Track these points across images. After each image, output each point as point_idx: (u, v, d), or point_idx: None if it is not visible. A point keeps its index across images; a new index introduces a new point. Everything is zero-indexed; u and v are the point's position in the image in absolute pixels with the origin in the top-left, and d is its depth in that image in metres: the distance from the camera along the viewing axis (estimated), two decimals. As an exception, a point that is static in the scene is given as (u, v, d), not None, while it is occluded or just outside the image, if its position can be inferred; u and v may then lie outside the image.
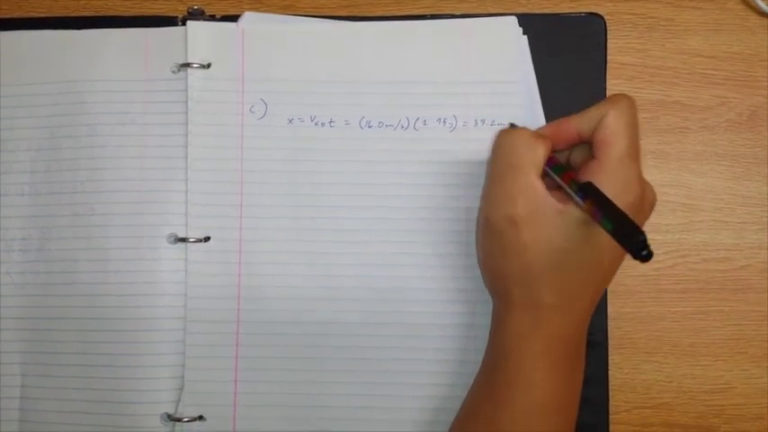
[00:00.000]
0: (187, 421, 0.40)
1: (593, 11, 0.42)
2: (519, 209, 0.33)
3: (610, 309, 0.41)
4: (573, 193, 0.32)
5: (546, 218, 0.33)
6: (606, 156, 0.33)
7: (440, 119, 0.41)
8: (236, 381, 0.40)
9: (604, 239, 0.31)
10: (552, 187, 0.34)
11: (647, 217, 0.35)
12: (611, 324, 0.41)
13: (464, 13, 0.42)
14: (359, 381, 0.40)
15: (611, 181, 0.32)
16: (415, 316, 0.40)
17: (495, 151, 0.35)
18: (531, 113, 0.41)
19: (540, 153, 0.34)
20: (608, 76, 0.42)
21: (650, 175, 0.42)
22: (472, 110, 0.41)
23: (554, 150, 0.36)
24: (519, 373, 0.34)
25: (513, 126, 0.38)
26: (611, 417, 0.41)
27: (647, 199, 0.34)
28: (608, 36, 0.42)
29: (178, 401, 0.40)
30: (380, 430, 0.40)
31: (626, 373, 0.42)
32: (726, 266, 0.42)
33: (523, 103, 0.41)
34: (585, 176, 0.33)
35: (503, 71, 0.41)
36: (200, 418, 0.40)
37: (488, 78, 0.41)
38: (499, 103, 0.41)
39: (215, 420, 0.40)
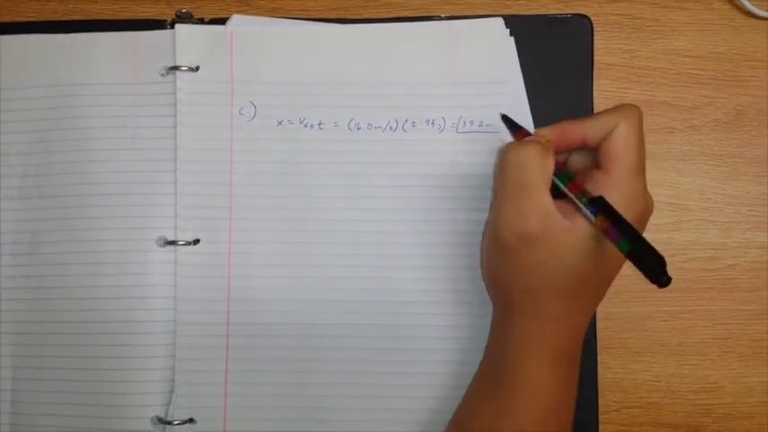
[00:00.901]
0: (177, 424, 0.39)
1: (580, 12, 0.42)
2: (532, 228, 0.33)
3: (598, 309, 0.41)
4: (583, 206, 0.32)
5: (557, 237, 0.33)
6: (616, 168, 0.33)
7: (428, 120, 0.41)
8: (226, 383, 0.40)
9: (610, 253, 0.31)
10: (555, 195, 0.34)
11: (644, 227, 0.35)
12: (599, 324, 0.41)
13: (451, 14, 0.42)
14: (349, 382, 0.40)
15: (618, 194, 0.32)
16: (403, 317, 0.40)
17: (505, 168, 0.34)
18: (519, 114, 0.40)
19: (549, 169, 0.33)
20: (595, 77, 0.42)
21: (638, 175, 0.42)
22: (460, 111, 0.41)
23: (555, 152, 0.35)
24: (522, 380, 0.34)
25: (505, 119, 0.38)
26: (600, 417, 0.41)
27: (647, 211, 0.35)
28: (594, 37, 0.42)
29: (168, 404, 0.40)
30: (372, 431, 0.40)
31: (615, 372, 0.42)
32: (713, 266, 0.42)
33: (511, 104, 0.41)
34: (592, 186, 0.33)
35: (490, 72, 0.41)
36: (191, 420, 0.40)
37: (476, 79, 0.41)
38: (487, 105, 0.41)
39: (205, 423, 0.40)
